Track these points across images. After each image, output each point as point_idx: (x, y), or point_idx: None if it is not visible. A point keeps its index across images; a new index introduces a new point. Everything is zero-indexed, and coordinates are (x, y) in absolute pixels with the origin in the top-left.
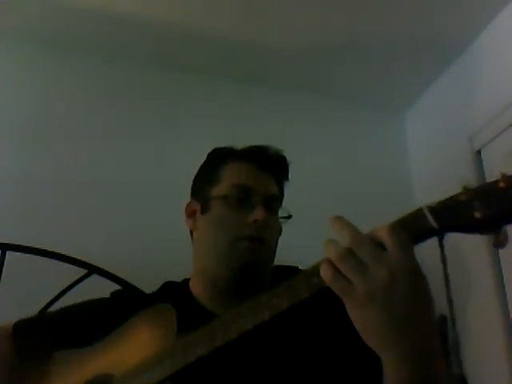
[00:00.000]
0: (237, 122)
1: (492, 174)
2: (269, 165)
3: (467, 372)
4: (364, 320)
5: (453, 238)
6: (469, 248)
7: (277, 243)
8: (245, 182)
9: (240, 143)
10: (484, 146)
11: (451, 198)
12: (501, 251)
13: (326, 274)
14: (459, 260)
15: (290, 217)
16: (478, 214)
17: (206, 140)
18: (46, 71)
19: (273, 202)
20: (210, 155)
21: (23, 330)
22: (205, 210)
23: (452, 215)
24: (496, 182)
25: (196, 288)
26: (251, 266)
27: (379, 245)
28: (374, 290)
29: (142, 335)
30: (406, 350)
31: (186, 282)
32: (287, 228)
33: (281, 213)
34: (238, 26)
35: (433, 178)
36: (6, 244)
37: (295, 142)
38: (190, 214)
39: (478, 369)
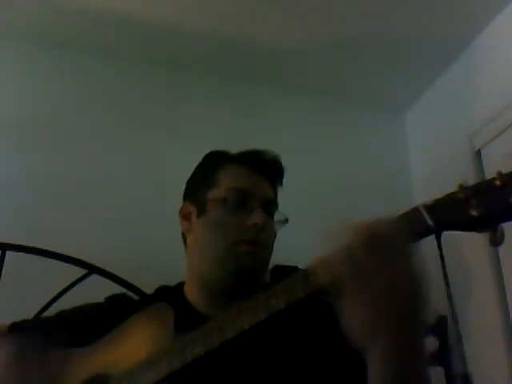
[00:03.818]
0: (237, 121)
1: (492, 174)
2: (266, 169)
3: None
4: (364, 314)
5: (453, 238)
6: (469, 248)
7: (272, 248)
8: (243, 186)
9: (240, 143)
10: (484, 145)
11: (448, 196)
12: (501, 251)
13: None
14: (459, 260)
15: (286, 221)
16: (474, 212)
17: (206, 140)
18: (46, 71)
19: (270, 206)
20: (206, 158)
21: (20, 330)
22: (201, 212)
23: (448, 213)
24: (492, 180)
25: (190, 292)
26: (248, 271)
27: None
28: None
29: (139, 334)
30: (398, 344)
31: (180, 286)
32: (287, 228)
33: (276, 217)
34: (238, 27)
35: (433, 178)
36: (6, 244)
37: (295, 142)
38: (185, 216)
39: (478, 369)
